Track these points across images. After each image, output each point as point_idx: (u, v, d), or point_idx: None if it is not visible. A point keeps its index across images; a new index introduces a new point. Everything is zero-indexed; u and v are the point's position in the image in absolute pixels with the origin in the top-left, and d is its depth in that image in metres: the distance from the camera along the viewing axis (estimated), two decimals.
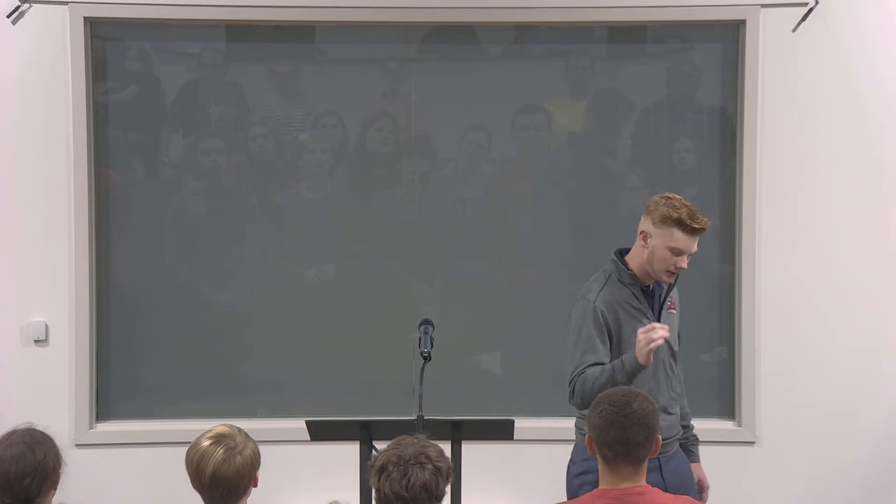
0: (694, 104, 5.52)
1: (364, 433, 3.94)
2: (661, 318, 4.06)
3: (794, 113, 5.28)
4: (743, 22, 5.26)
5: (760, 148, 5.28)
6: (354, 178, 5.53)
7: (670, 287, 4.09)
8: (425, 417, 3.83)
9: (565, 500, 3.75)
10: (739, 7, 5.25)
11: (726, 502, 4.96)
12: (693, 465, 4.24)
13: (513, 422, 4.07)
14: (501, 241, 5.49)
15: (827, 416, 5.33)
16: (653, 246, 3.97)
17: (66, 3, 5.16)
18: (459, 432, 3.95)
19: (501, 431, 4.12)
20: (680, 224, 3.92)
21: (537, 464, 5.21)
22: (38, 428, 3.34)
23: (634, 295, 4.03)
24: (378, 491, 3.03)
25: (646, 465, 3.28)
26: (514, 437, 4.12)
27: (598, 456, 3.29)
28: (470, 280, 5.50)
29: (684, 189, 5.42)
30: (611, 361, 3.96)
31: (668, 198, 3.99)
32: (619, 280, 4.05)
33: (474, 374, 5.48)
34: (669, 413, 4.08)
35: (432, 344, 4.09)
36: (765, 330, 5.31)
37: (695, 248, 3.97)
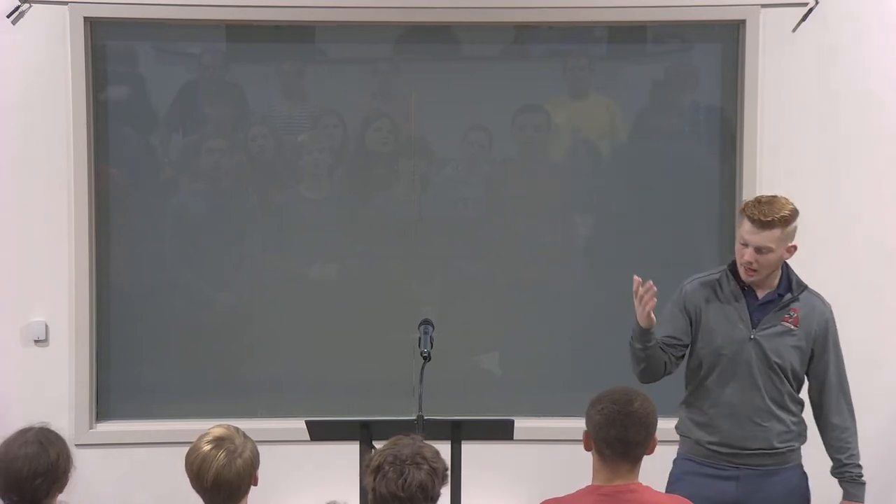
0: (694, 104, 5.52)
1: (364, 433, 3.95)
2: (762, 323, 4.03)
3: (793, 113, 5.28)
4: (743, 22, 5.26)
5: (760, 148, 5.28)
6: (354, 178, 5.53)
7: (790, 301, 4.06)
8: (425, 417, 3.83)
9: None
10: (739, 7, 5.25)
11: None
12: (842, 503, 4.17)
13: (513, 422, 4.07)
14: (501, 241, 5.49)
15: None
16: (737, 241, 4.08)
17: (66, 3, 5.16)
18: (459, 432, 3.95)
19: (501, 431, 4.12)
20: (746, 214, 4.00)
21: (537, 464, 5.21)
22: (52, 428, 3.34)
23: (733, 294, 4.06)
24: (374, 491, 3.02)
25: (640, 463, 3.30)
26: (514, 437, 4.12)
27: (593, 452, 3.30)
28: (470, 280, 5.50)
29: (684, 189, 5.44)
30: (691, 344, 4.09)
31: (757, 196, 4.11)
32: (725, 275, 4.09)
33: (474, 374, 5.48)
34: (754, 423, 4.04)
35: (432, 344, 4.09)
36: None
37: (763, 242, 3.94)
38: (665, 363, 4.09)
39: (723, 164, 5.42)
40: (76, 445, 5.04)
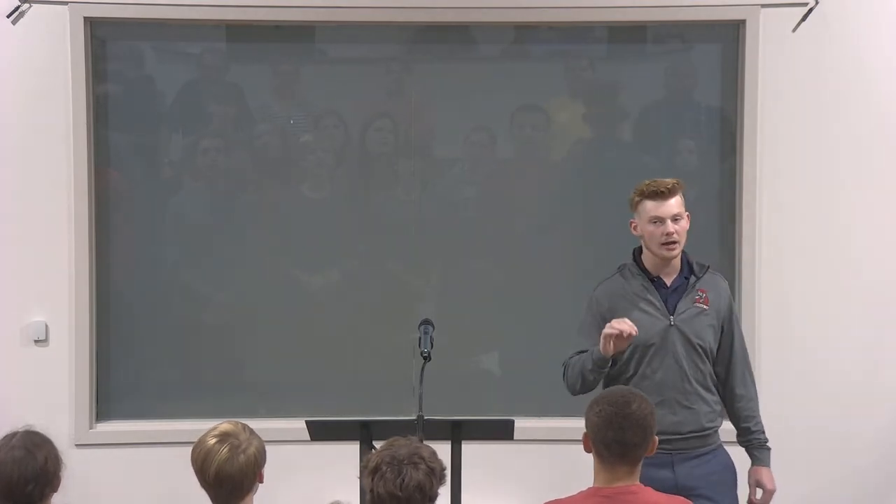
0: (694, 104, 5.52)
1: (364, 433, 3.95)
2: (678, 309, 4.11)
3: (793, 113, 5.28)
4: (743, 22, 5.26)
5: (760, 148, 5.28)
6: (354, 179, 5.53)
7: (696, 282, 4.15)
8: (425, 417, 3.84)
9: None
10: (739, 7, 5.25)
11: None
12: (755, 469, 4.26)
13: (513, 422, 4.07)
14: (501, 241, 5.49)
15: (828, 416, 5.33)
16: (641, 230, 4.13)
17: (66, 3, 5.16)
18: (459, 432, 3.95)
19: (501, 431, 4.12)
20: (647, 195, 4.09)
21: (537, 464, 5.21)
22: (37, 430, 3.33)
23: (644, 287, 4.13)
24: (371, 491, 3.03)
25: (640, 464, 3.30)
26: (514, 437, 4.13)
27: (593, 454, 3.30)
28: (470, 280, 5.50)
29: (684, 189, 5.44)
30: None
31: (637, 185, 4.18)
32: (629, 271, 4.17)
33: (474, 374, 5.48)
34: (683, 406, 4.10)
35: (432, 344, 4.09)
36: (765, 331, 5.31)
37: (674, 209, 4.08)
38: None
39: (723, 164, 5.42)
40: (76, 445, 5.08)
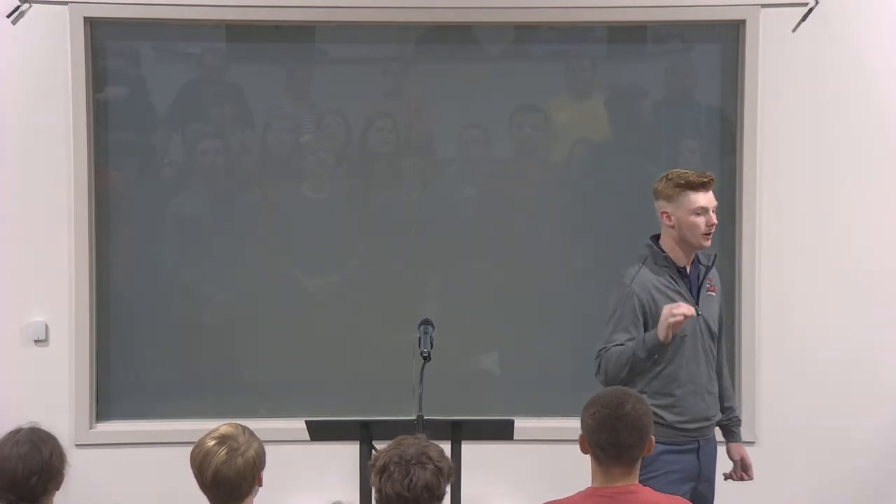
0: (694, 104, 5.52)
1: (364, 433, 3.95)
2: (700, 300, 4.15)
3: (793, 113, 5.28)
4: (743, 22, 5.26)
5: (760, 148, 5.28)
6: (355, 178, 5.53)
7: (708, 269, 4.19)
8: (425, 417, 3.84)
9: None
10: (739, 7, 5.25)
11: (727, 500, 4.95)
12: (734, 445, 4.34)
13: (513, 422, 4.07)
14: (501, 241, 5.49)
15: (828, 416, 5.33)
16: (678, 220, 4.11)
17: (66, 3, 5.16)
18: (459, 432, 3.95)
19: (501, 431, 4.13)
20: (690, 186, 4.10)
21: (537, 464, 5.21)
22: (42, 427, 3.34)
23: (672, 277, 4.14)
24: (379, 491, 3.02)
25: (639, 464, 3.30)
26: (514, 437, 4.13)
27: (590, 455, 3.30)
28: (470, 280, 5.50)
29: None
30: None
31: (667, 175, 4.16)
32: (655, 263, 4.16)
33: (474, 374, 5.48)
34: (710, 393, 4.18)
35: (432, 344, 4.09)
36: (765, 331, 5.31)
37: (714, 201, 4.13)
38: None
39: (723, 164, 5.42)
40: (76, 445, 5.08)
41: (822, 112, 5.28)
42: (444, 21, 5.35)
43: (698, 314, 4.10)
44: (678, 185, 4.10)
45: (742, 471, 4.36)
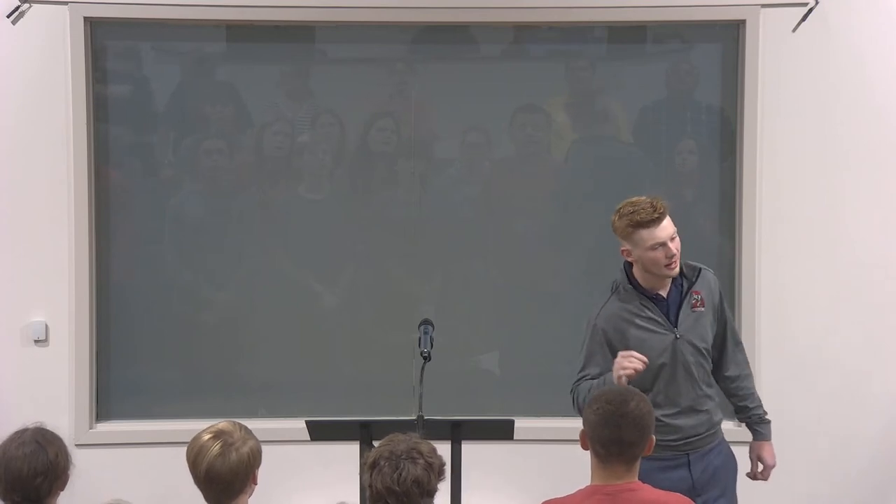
0: (694, 104, 5.52)
1: (364, 433, 3.95)
2: (680, 320, 4.08)
3: (794, 113, 5.28)
4: (743, 22, 5.26)
5: (760, 148, 5.28)
6: (355, 179, 5.52)
7: (690, 287, 4.11)
8: (425, 417, 3.84)
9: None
10: (739, 7, 5.25)
11: None
12: (754, 443, 4.30)
13: (513, 422, 4.07)
14: (501, 241, 5.49)
15: (828, 416, 5.33)
16: (637, 257, 4.04)
17: (66, 3, 5.16)
18: (459, 432, 3.95)
19: (501, 431, 4.13)
20: (640, 225, 3.98)
21: (537, 464, 5.21)
22: (48, 427, 3.35)
23: (643, 305, 4.07)
24: (370, 487, 3.03)
25: (638, 462, 3.30)
26: (514, 437, 4.13)
27: (591, 452, 3.30)
28: (470, 280, 5.50)
29: (683, 190, 5.44)
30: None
31: (618, 211, 4.06)
32: (625, 291, 4.10)
33: (474, 374, 5.48)
34: (697, 411, 4.11)
35: (432, 344, 4.10)
36: (765, 332, 5.31)
37: (670, 229, 4.00)
38: None
39: (723, 164, 5.42)
40: (76, 445, 5.07)
41: (822, 112, 5.28)
42: (444, 21, 5.35)
43: (677, 337, 4.06)
44: (629, 226, 3.99)
45: (757, 470, 4.32)
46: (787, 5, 5.23)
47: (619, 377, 3.87)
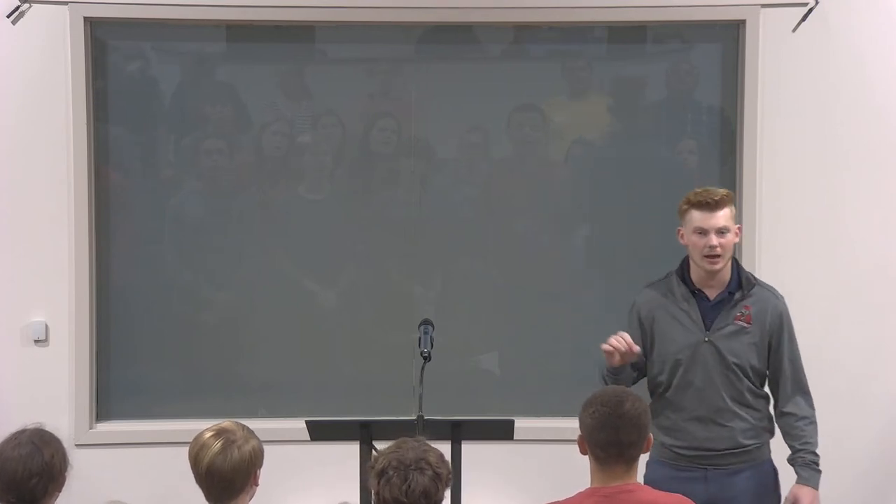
0: (694, 104, 5.52)
1: (364, 433, 3.95)
2: (715, 325, 4.05)
3: (794, 113, 5.28)
4: (743, 22, 5.26)
5: (760, 148, 5.28)
6: (355, 179, 5.52)
7: (741, 299, 4.07)
8: (425, 417, 3.84)
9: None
10: (739, 7, 5.25)
11: None
12: (796, 487, 4.14)
13: (513, 422, 4.07)
14: (501, 241, 5.49)
15: (828, 416, 5.32)
16: (686, 239, 4.07)
17: (66, 3, 5.16)
18: (459, 432, 3.95)
19: (501, 431, 4.12)
20: (691, 204, 4.03)
21: (537, 464, 5.21)
22: (46, 428, 3.35)
23: (685, 298, 4.08)
24: (378, 494, 3.03)
25: (637, 463, 3.30)
26: (514, 437, 4.12)
27: (589, 455, 3.30)
28: (470, 280, 5.50)
29: (683, 190, 5.42)
30: (647, 357, 4.12)
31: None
32: (674, 280, 4.12)
33: (474, 374, 5.48)
34: (717, 424, 4.07)
35: (432, 344, 4.09)
36: None
37: (720, 222, 4.00)
38: (632, 380, 4.16)
39: (723, 164, 5.42)
40: (76, 445, 5.07)
41: (822, 112, 5.28)
42: (444, 21, 5.35)
43: (705, 340, 4.04)
44: (686, 203, 4.05)
45: None
46: (787, 5, 5.23)
47: (603, 350, 3.95)
